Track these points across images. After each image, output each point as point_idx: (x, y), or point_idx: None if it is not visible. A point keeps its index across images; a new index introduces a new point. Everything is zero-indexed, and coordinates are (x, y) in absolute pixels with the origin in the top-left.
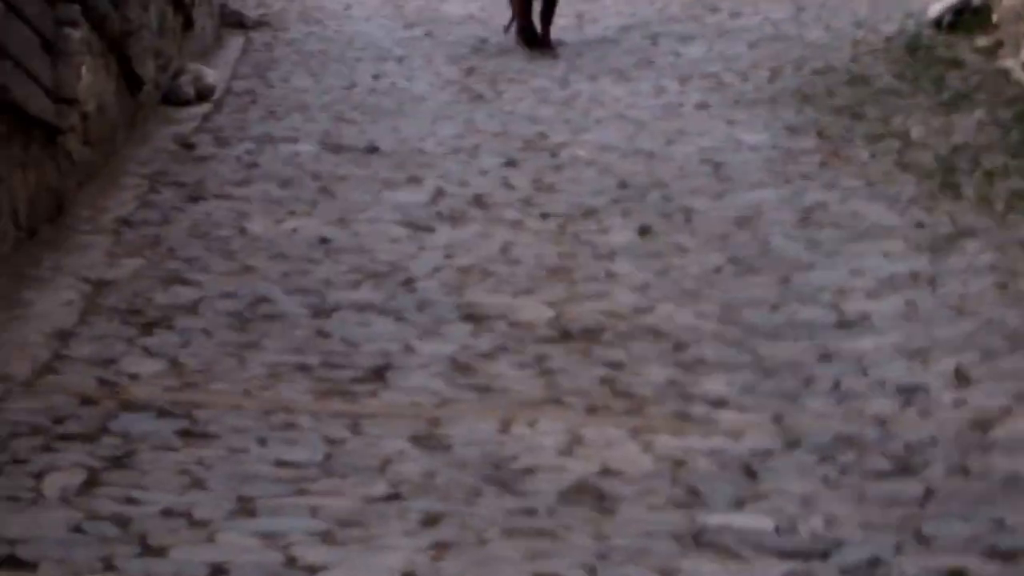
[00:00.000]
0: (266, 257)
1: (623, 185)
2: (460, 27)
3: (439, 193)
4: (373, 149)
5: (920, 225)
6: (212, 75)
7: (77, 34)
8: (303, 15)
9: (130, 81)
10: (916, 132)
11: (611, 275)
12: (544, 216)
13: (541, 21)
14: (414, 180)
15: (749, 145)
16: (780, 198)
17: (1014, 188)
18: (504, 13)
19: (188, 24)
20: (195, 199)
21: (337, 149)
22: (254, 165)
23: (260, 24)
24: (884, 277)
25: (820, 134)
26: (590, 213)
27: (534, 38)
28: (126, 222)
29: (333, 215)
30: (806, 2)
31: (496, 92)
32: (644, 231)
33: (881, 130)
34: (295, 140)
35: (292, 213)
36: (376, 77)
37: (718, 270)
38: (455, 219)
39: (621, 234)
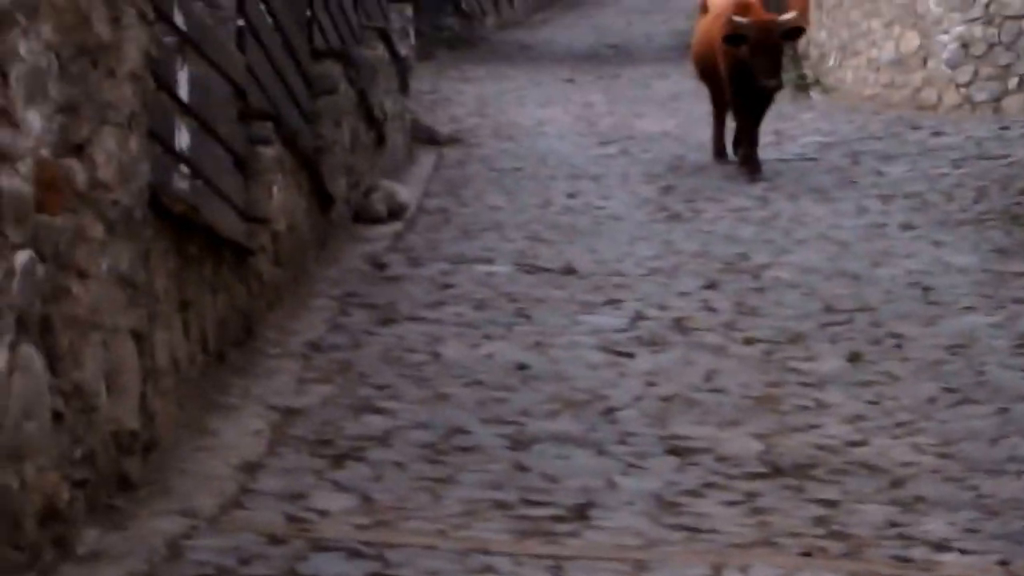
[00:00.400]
0: (461, 384)
1: (829, 309)
2: (655, 144)
3: (638, 316)
4: (570, 270)
5: None
6: (404, 192)
7: (269, 152)
8: (496, 132)
9: (321, 199)
10: None
11: (821, 405)
12: (748, 341)
13: (747, 141)
14: (612, 303)
15: (958, 267)
16: (994, 324)
17: None
18: (697, 129)
19: (380, 140)
20: (387, 322)
21: (533, 270)
22: (448, 286)
23: (453, 140)
24: None
25: None
26: (796, 338)
27: (723, 154)
28: (316, 346)
29: (530, 339)
30: (1010, 119)
31: (694, 211)
32: (853, 358)
33: None
34: (490, 260)
35: (487, 337)
36: (571, 195)
37: (932, 400)
38: (655, 344)
39: (829, 361)
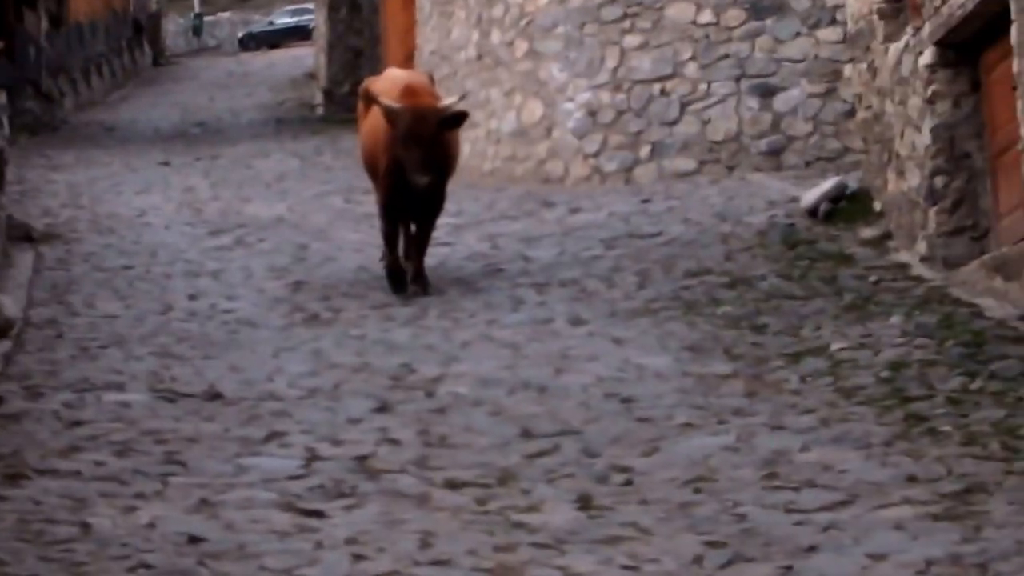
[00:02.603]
0: (124, 570)
1: (527, 434)
2: (272, 231)
3: (312, 456)
4: (215, 395)
5: (913, 479)
6: (9, 304)
7: None
8: (95, 224)
9: None
10: (836, 346)
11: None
12: (452, 485)
13: (414, 252)
14: (275, 437)
15: (653, 371)
16: (727, 447)
17: (994, 419)
18: (313, 213)
19: None
20: (15, 478)
21: (172, 397)
22: (77, 423)
23: (50, 236)
24: (915, 562)
25: (729, 353)
26: (506, 478)
27: (402, 280)
28: None
29: (193, 497)
30: (649, 193)
31: (333, 311)
32: (583, 503)
33: (796, 345)
34: (120, 387)
35: (141, 496)
36: (193, 297)
37: (699, 560)
38: (343, 495)
39: (559, 510)
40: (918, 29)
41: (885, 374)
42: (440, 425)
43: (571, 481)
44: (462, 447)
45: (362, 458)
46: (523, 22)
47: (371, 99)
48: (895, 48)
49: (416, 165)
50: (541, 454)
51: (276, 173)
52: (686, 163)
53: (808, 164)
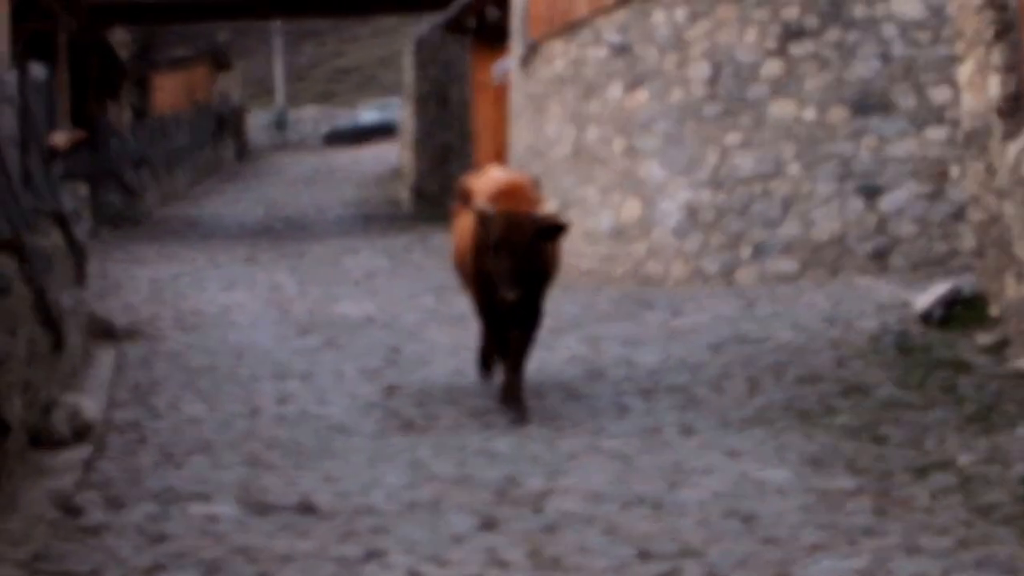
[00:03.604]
0: None
1: (645, 555)
2: (362, 332)
3: None
4: (308, 508)
5: None
6: (90, 406)
7: None
8: (178, 321)
9: None
10: (964, 460)
11: None
12: None
13: (507, 366)
14: (375, 557)
15: (773, 487)
16: (859, 570)
17: None
18: (404, 313)
19: (58, 344)
20: None
21: (263, 510)
22: (161, 539)
23: (131, 333)
24: None
25: (851, 467)
26: None
27: (488, 368)
28: None
29: None
30: (752, 297)
31: (430, 418)
32: None
33: (920, 458)
34: (207, 497)
35: None
36: (282, 401)
37: None
38: None
39: None
40: None
41: (1021, 491)
42: (551, 545)
43: None
44: (575, 571)
45: None
46: (621, 118)
47: (466, 198)
48: (1015, 147)
49: (505, 277)
50: None
51: (365, 271)
52: (789, 265)
53: (915, 267)
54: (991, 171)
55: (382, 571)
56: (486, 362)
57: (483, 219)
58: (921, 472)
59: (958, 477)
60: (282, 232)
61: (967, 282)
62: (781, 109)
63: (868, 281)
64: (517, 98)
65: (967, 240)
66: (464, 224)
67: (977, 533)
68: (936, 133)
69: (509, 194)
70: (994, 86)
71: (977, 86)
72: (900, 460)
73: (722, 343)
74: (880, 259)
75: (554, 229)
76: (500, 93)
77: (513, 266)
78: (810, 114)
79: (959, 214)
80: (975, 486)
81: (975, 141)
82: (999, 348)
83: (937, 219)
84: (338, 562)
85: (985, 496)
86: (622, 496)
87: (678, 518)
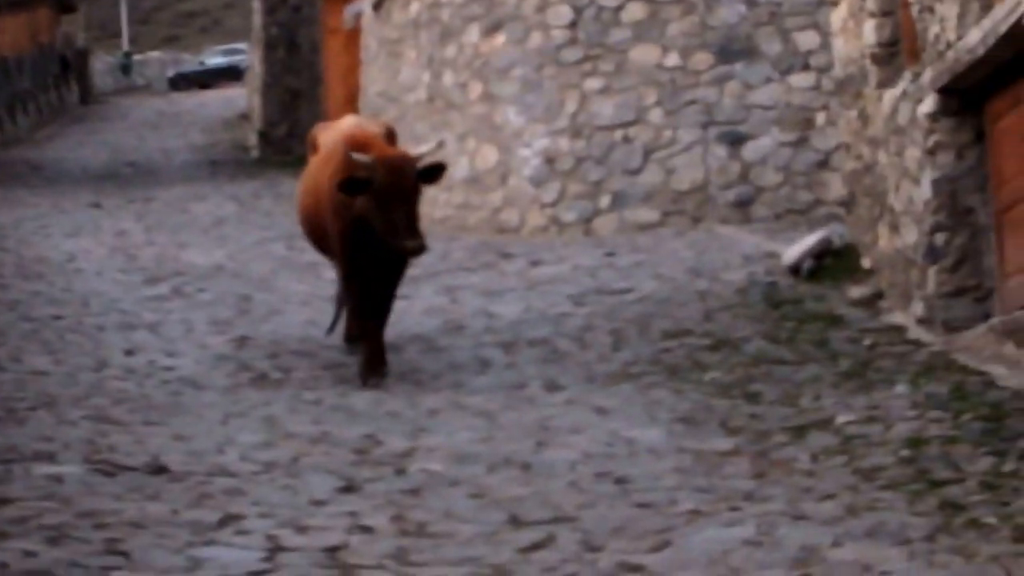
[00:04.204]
0: None
1: (516, 522)
2: (211, 281)
3: (275, 546)
4: (160, 469)
5: None
6: None
7: None
8: (21, 269)
9: None
10: (843, 419)
11: None
12: None
13: (376, 326)
14: (231, 522)
15: (646, 446)
16: (745, 540)
17: None
18: (254, 261)
19: None
20: None
21: (111, 470)
22: (3, 501)
23: None
24: None
25: (725, 426)
26: None
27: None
28: None
29: None
30: (612, 246)
31: (284, 371)
32: None
33: (796, 417)
34: (51, 456)
35: None
36: (129, 353)
37: None
38: None
39: None
40: (917, 75)
41: (904, 453)
42: (416, 509)
43: None
44: (444, 537)
45: (332, 550)
46: (478, 63)
47: (317, 149)
48: (891, 95)
49: (402, 227)
50: (536, 547)
51: (213, 218)
52: (649, 214)
53: (778, 217)
54: (864, 119)
55: (238, 538)
56: (357, 331)
57: (361, 168)
58: (799, 432)
59: (838, 437)
60: (128, 177)
61: (836, 233)
62: (643, 54)
63: (731, 231)
64: (370, 42)
65: (832, 190)
66: (311, 177)
67: (864, 499)
68: (801, 80)
69: (357, 142)
70: (869, 32)
71: (851, 31)
72: (776, 419)
73: (583, 294)
74: (743, 208)
75: (436, 169)
76: (352, 37)
77: (409, 212)
78: (673, 59)
79: (824, 163)
80: (857, 447)
81: (848, 88)
82: (872, 301)
83: (801, 168)
84: (191, 527)
85: (868, 458)
86: (488, 457)
87: (548, 480)
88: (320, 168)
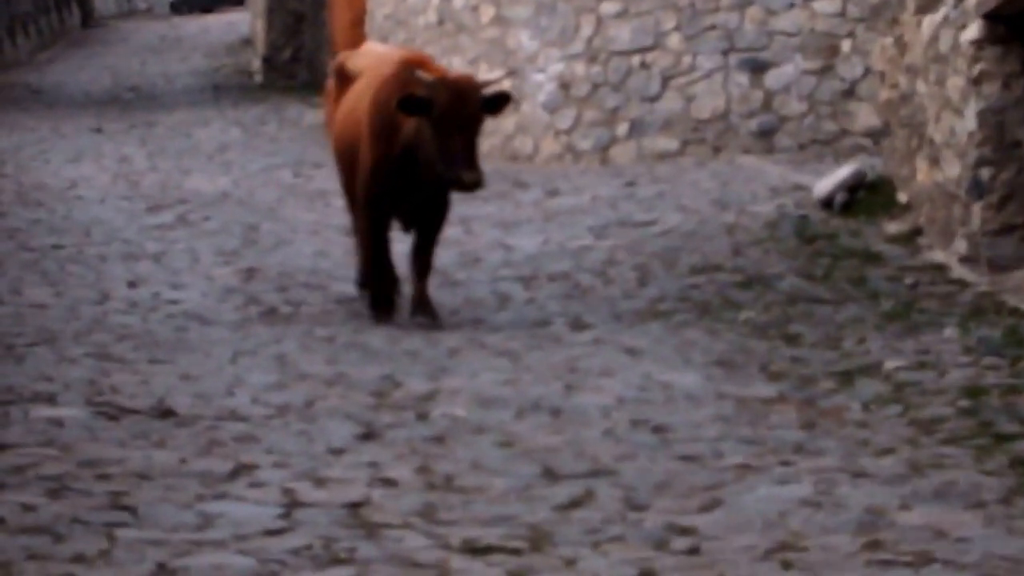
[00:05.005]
0: None
1: (550, 475)
2: (217, 209)
3: (291, 501)
4: (167, 412)
5: None
6: None
7: None
8: (21, 196)
9: None
10: (891, 364)
11: None
12: (474, 551)
13: (417, 272)
14: (244, 472)
15: (682, 392)
16: (803, 500)
17: None
18: (260, 188)
19: None
20: None
21: (114, 414)
22: (2, 448)
23: None
24: None
25: (766, 371)
26: (540, 540)
27: (389, 303)
28: None
29: (147, 561)
30: (631, 175)
31: (293, 305)
32: None
33: (841, 362)
34: (51, 398)
35: (80, 559)
36: (132, 285)
37: None
38: (340, 562)
39: None
40: (960, 0)
41: (963, 403)
42: (442, 460)
43: (622, 547)
44: (474, 492)
45: (354, 506)
46: None
47: (347, 77)
48: (931, 21)
49: (461, 157)
50: (574, 504)
51: (218, 144)
52: (668, 143)
53: (802, 147)
54: (901, 46)
55: (252, 491)
56: (384, 282)
57: (424, 85)
58: (845, 377)
59: (889, 385)
60: (130, 102)
61: (870, 165)
62: None
63: (754, 161)
64: None
65: (858, 120)
66: (350, 105)
67: (926, 454)
68: (826, 5)
69: (415, 63)
70: None
71: None
72: (820, 363)
73: (604, 226)
74: (765, 138)
75: (500, 99)
76: None
77: (469, 141)
78: None
79: (850, 92)
80: (910, 396)
81: (883, 14)
82: (910, 237)
83: (826, 97)
84: (201, 479)
85: (925, 409)
86: (515, 400)
87: (581, 428)
88: (361, 94)
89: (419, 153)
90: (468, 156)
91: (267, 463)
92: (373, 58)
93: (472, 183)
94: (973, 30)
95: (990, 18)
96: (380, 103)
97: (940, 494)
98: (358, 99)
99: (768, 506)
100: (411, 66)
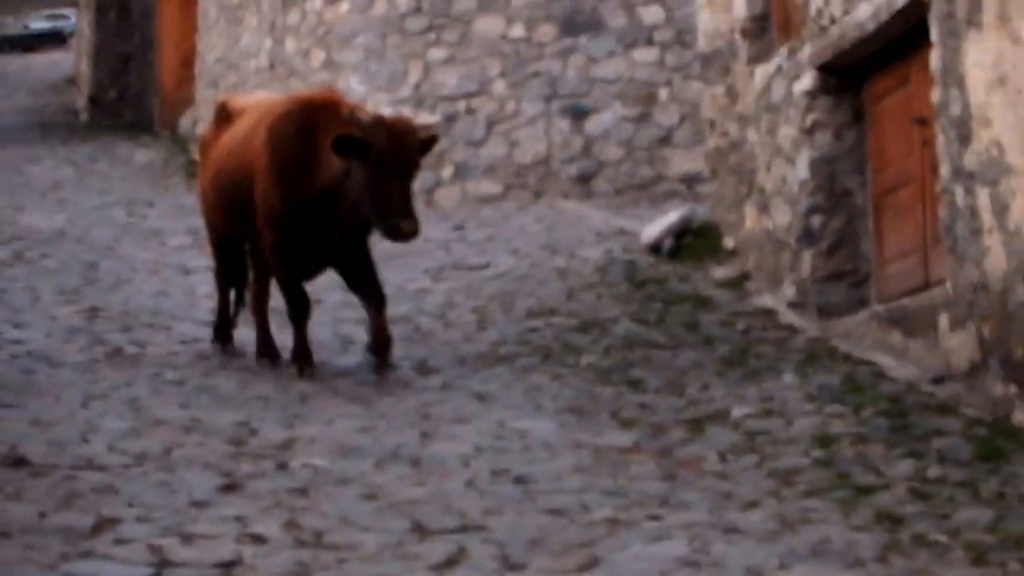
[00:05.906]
0: None
1: (420, 530)
2: (54, 247)
3: (160, 560)
4: (19, 461)
5: None
6: None
7: None
8: None
9: None
10: (739, 412)
11: None
12: None
13: (374, 312)
14: (107, 528)
15: (539, 440)
16: (681, 559)
17: (985, 523)
18: (96, 226)
19: None
20: None
21: None
22: None
23: None
24: None
25: (617, 418)
26: None
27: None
28: None
29: None
30: (460, 219)
31: (139, 346)
32: None
33: (688, 408)
34: None
35: None
36: None
37: None
38: None
39: None
40: (794, 51)
41: (817, 453)
42: (308, 514)
43: None
44: (346, 549)
45: (226, 565)
46: (321, 31)
47: (230, 115)
48: (764, 71)
49: (400, 206)
50: (450, 563)
51: (50, 181)
52: (491, 187)
53: (619, 192)
54: (732, 95)
55: (117, 548)
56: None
57: (360, 126)
58: (695, 425)
59: (740, 433)
60: None
61: (694, 211)
62: (488, 25)
63: (574, 205)
64: (208, 7)
65: (673, 166)
66: (245, 146)
67: (792, 508)
68: (645, 54)
69: (323, 106)
70: (739, 5)
71: (719, 5)
72: (667, 410)
73: (440, 269)
74: (585, 183)
75: (429, 143)
76: (186, 2)
77: (407, 187)
78: (517, 31)
79: (666, 139)
80: (763, 445)
81: (715, 63)
82: (738, 283)
83: (643, 143)
84: (63, 535)
85: (780, 459)
86: (373, 449)
87: (443, 479)
88: (249, 134)
89: (345, 197)
90: (405, 203)
91: (130, 517)
92: (263, 97)
93: (410, 232)
94: (807, 81)
95: (823, 69)
96: (280, 139)
97: (817, 552)
98: (242, 140)
99: (646, 565)
100: (314, 104)
